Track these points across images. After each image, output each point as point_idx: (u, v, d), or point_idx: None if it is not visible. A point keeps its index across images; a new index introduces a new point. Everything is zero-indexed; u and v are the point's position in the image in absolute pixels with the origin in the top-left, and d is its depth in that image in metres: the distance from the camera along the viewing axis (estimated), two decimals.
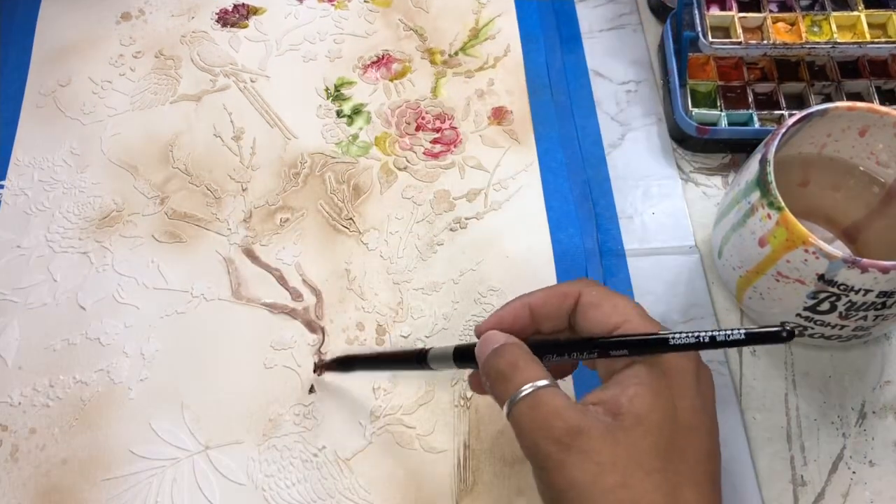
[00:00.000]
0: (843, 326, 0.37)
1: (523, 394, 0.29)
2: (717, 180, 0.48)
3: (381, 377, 0.42)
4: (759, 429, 0.40)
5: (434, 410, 0.41)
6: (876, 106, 0.39)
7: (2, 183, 0.48)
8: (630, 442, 0.27)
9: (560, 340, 0.31)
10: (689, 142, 0.49)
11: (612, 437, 0.27)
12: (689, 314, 0.44)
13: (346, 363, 0.40)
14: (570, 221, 0.46)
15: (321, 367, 0.41)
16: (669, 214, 0.47)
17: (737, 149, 0.49)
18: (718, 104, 0.49)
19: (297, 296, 0.44)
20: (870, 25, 0.48)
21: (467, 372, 0.42)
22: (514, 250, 0.46)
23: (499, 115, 0.50)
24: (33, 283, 0.45)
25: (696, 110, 0.48)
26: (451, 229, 0.46)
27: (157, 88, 0.52)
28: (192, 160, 0.49)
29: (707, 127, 0.47)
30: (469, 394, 0.41)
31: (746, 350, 0.42)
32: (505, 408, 0.29)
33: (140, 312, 0.44)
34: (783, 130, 0.37)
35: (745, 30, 0.48)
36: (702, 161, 0.49)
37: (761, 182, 0.36)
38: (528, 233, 0.46)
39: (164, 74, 0.52)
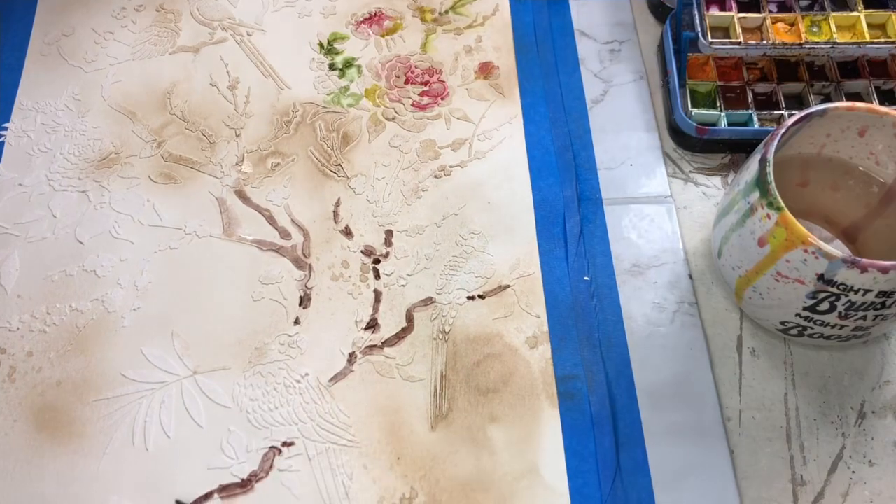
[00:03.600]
0: (842, 326, 0.37)
1: None
2: (716, 180, 0.48)
3: (363, 313, 0.44)
4: (758, 428, 0.40)
5: (413, 343, 0.43)
6: (875, 106, 0.38)
7: (5, 125, 0.50)
8: None
9: None
10: (688, 142, 0.49)
11: None
12: (661, 259, 0.45)
13: None
14: (551, 171, 0.48)
15: None
16: (646, 165, 0.48)
17: (736, 149, 0.49)
18: (718, 104, 0.49)
19: (285, 235, 0.46)
20: (869, 26, 0.48)
21: (445, 308, 0.43)
22: (496, 196, 0.47)
23: (485, 69, 0.52)
24: (34, 218, 0.47)
25: (695, 110, 0.48)
26: (435, 176, 0.48)
27: (157, 40, 0.54)
28: (189, 107, 0.51)
29: (706, 127, 0.47)
30: (447, 327, 0.43)
31: (746, 350, 0.43)
32: None
33: (135, 247, 0.46)
34: (783, 130, 0.37)
35: (744, 30, 0.48)
36: (701, 161, 0.49)
37: (761, 182, 0.36)
38: (510, 180, 0.48)
39: (164, 27, 0.54)
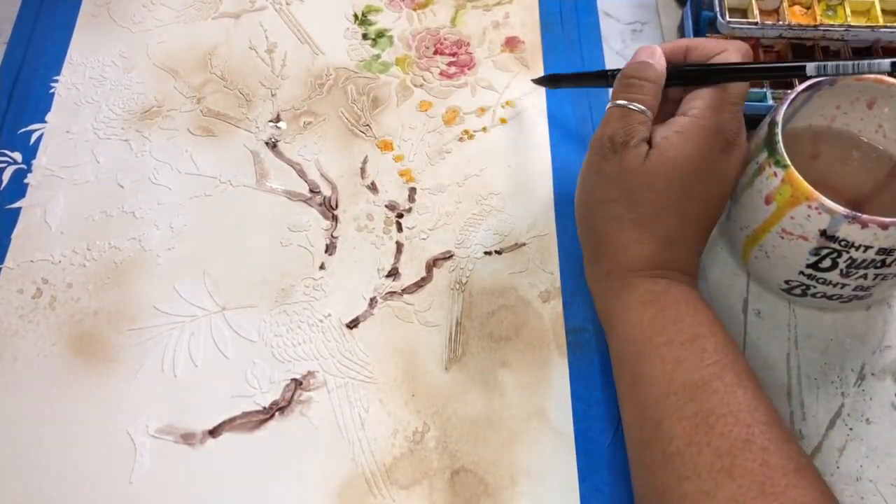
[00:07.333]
0: (843, 285, 0.39)
1: (620, 102, 0.38)
2: None
3: (385, 262, 0.46)
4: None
5: (432, 291, 0.45)
6: (884, 77, 0.39)
7: (56, 78, 0.53)
8: (650, 167, 0.37)
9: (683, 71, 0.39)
10: None
11: (641, 157, 0.37)
12: None
13: (554, 80, 0.49)
14: (570, 139, 0.50)
15: (536, 80, 0.51)
16: None
17: (749, 124, 0.49)
18: None
19: (314, 187, 0.48)
20: (884, 12, 0.50)
21: (463, 261, 0.46)
22: (516, 161, 0.49)
23: (512, 44, 0.54)
24: (78, 163, 0.50)
25: None
26: (459, 139, 0.50)
27: (201, 6, 0.56)
28: (228, 68, 0.53)
29: None
30: (464, 279, 0.45)
31: (752, 311, 0.44)
32: (610, 104, 0.39)
33: (172, 192, 0.48)
34: (792, 96, 0.39)
35: (761, 12, 0.50)
36: None
37: (769, 142, 0.38)
38: (531, 147, 0.50)
39: None
